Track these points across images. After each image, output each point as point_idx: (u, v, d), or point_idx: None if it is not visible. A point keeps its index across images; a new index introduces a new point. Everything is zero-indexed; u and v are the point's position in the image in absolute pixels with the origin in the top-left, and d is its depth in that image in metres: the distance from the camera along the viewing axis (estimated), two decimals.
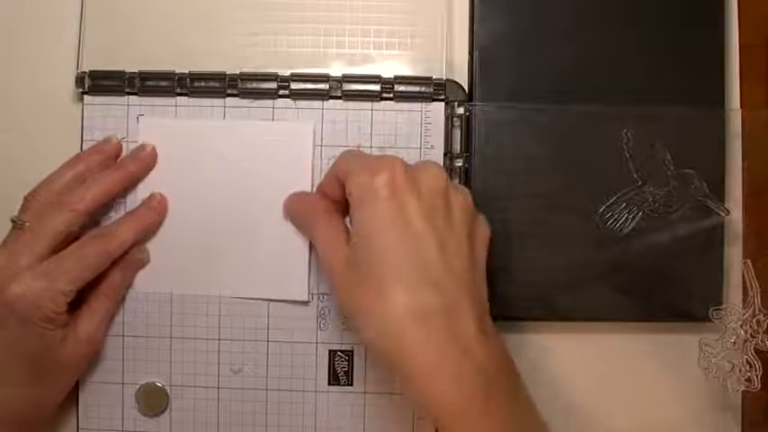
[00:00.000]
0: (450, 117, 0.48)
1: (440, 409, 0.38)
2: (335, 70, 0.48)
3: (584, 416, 0.49)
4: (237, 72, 0.47)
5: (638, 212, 0.47)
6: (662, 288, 0.48)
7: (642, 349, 0.49)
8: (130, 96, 0.48)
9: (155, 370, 0.48)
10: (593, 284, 0.47)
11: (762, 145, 0.48)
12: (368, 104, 0.48)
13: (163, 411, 0.48)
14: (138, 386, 0.48)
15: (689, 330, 0.47)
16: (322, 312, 0.48)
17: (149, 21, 0.49)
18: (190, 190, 0.47)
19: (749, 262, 0.45)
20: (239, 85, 0.47)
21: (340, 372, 0.48)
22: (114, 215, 0.47)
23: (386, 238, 0.39)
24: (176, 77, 0.47)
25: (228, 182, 0.47)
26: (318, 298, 0.48)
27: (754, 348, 0.44)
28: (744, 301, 0.46)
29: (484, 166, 0.47)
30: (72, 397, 0.47)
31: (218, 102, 0.48)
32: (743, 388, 0.44)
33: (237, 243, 0.47)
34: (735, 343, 0.45)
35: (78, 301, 0.44)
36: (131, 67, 0.48)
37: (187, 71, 0.47)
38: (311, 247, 0.47)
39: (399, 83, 0.48)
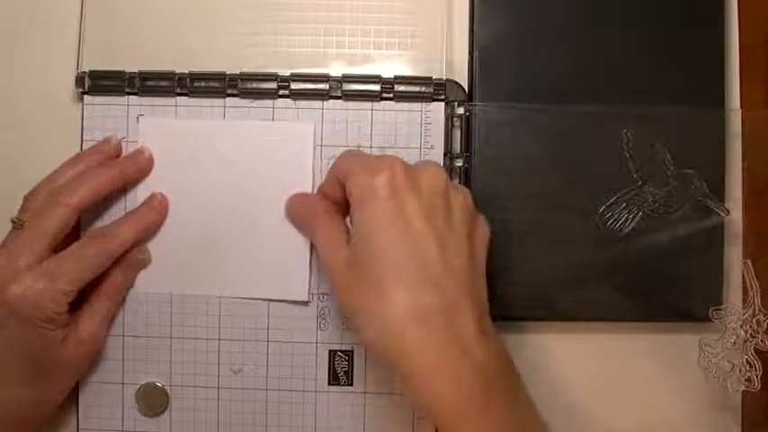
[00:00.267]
0: (450, 117, 0.48)
1: (439, 409, 0.38)
2: (335, 70, 0.48)
3: (584, 416, 0.49)
4: (237, 72, 0.47)
5: (638, 212, 0.47)
6: (662, 288, 0.47)
7: (642, 349, 0.49)
8: (130, 96, 0.48)
9: (155, 370, 0.48)
10: (593, 284, 0.47)
11: (762, 145, 0.48)
12: (368, 104, 0.48)
13: (163, 411, 0.48)
14: (138, 386, 0.48)
15: (689, 330, 0.47)
16: (322, 312, 0.48)
17: (149, 21, 0.49)
18: (190, 190, 0.47)
19: (749, 262, 0.45)
20: (239, 85, 0.47)
21: (340, 372, 0.48)
22: (115, 215, 0.47)
23: (386, 238, 0.39)
24: (176, 77, 0.47)
25: (229, 182, 0.47)
26: (318, 298, 0.48)
27: (754, 348, 0.44)
28: (744, 301, 0.46)
29: (484, 166, 0.47)
30: (72, 397, 0.47)
31: (218, 102, 0.48)
32: (743, 388, 0.45)
33: (238, 243, 0.47)
34: (735, 343, 0.45)
35: (79, 301, 0.44)
36: (131, 67, 0.48)
37: (187, 71, 0.47)
38: (311, 247, 0.47)
39: (399, 83, 0.48)
